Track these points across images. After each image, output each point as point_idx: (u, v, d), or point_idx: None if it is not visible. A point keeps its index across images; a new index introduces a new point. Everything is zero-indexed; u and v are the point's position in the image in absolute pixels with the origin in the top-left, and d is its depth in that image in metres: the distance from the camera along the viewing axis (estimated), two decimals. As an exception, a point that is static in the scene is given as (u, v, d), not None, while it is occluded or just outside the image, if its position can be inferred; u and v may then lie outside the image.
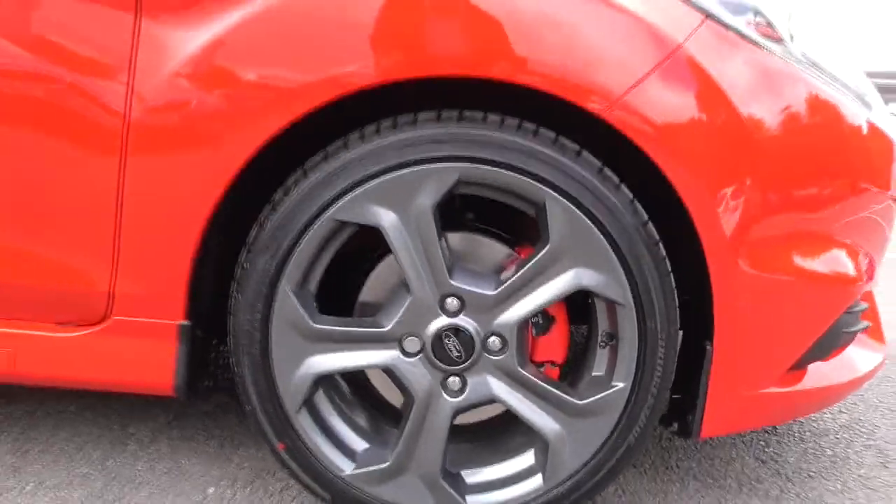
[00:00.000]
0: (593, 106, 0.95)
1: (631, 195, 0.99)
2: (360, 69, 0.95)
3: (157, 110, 0.98)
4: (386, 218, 0.99)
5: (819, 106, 1.07)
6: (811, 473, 1.41)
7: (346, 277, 1.13)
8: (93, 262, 1.03)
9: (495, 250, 1.10)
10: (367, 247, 1.10)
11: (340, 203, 0.99)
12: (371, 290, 1.12)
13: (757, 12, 1.07)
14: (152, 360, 1.06)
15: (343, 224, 1.00)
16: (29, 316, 1.07)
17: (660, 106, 0.96)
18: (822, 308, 1.09)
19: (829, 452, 1.50)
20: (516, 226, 1.12)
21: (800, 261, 1.05)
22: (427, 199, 0.98)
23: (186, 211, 1.00)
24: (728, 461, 1.43)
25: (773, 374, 1.08)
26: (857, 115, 1.12)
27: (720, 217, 0.98)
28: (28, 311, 1.06)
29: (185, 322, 1.05)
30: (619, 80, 0.95)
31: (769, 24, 1.07)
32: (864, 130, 1.13)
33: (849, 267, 1.10)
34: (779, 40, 1.07)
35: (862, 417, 1.70)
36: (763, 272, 1.01)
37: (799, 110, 1.05)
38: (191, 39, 0.97)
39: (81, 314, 1.06)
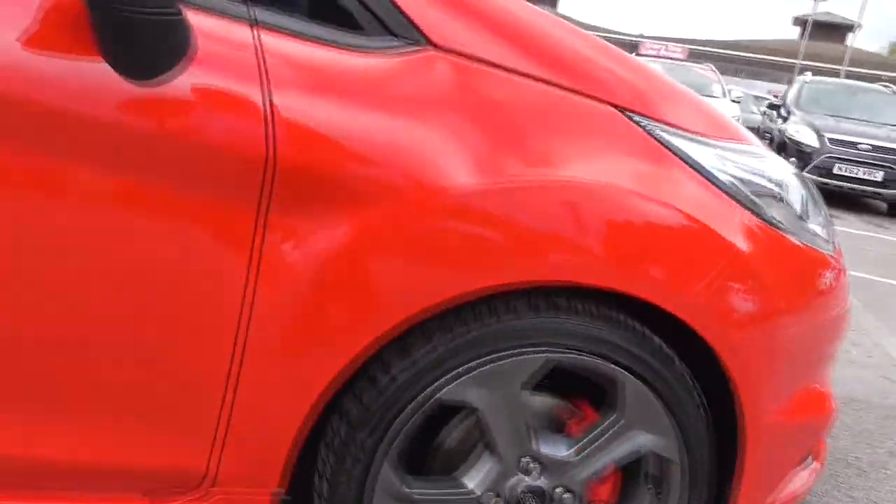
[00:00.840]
0: (668, 305, 1.09)
1: (687, 373, 1.15)
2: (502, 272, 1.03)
3: (283, 295, 0.99)
4: (481, 396, 1.09)
5: (818, 277, 1.28)
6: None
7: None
8: (194, 440, 1.03)
9: (557, 406, 1.22)
10: None
11: (443, 387, 1.07)
12: (450, 437, 1.20)
13: (780, 197, 1.25)
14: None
15: (441, 403, 1.08)
16: (113, 489, 1.05)
17: (715, 300, 1.11)
18: (814, 437, 1.35)
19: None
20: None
21: (804, 408, 1.28)
22: (519, 379, 1.09)
23: (302, 388, 1.03)
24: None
25: (770, 495, 1.32)
26: (838, 274, 1.34)
27: (761, 388, 1.17)
28: (113, 486, 1.05)
29: (279, 489, 1.09)
30: (691, 284, 1.09)
31: (788, 203, 1.26)
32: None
33: (830, 402, 1.36)
34: (799, 217, 1.26)
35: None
36: (782, 423, 1.23)
37: (808, 286, 1.25)
38: (319, 235, 0.98)
39: (172, 486, 1.06)
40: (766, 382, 1.19)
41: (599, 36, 1.22)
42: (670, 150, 1.14)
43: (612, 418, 1.15)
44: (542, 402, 1.21)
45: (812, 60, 29.77)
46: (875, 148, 8.46)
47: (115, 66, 0.88)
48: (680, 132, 1.17)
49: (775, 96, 16.52)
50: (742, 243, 1.14)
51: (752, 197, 1.20)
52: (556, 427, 1.21)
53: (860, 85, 10.42)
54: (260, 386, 1.02)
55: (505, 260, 1.02)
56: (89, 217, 0.94)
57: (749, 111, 12.02)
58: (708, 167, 1.16)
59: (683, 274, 1.10)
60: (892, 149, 8.52)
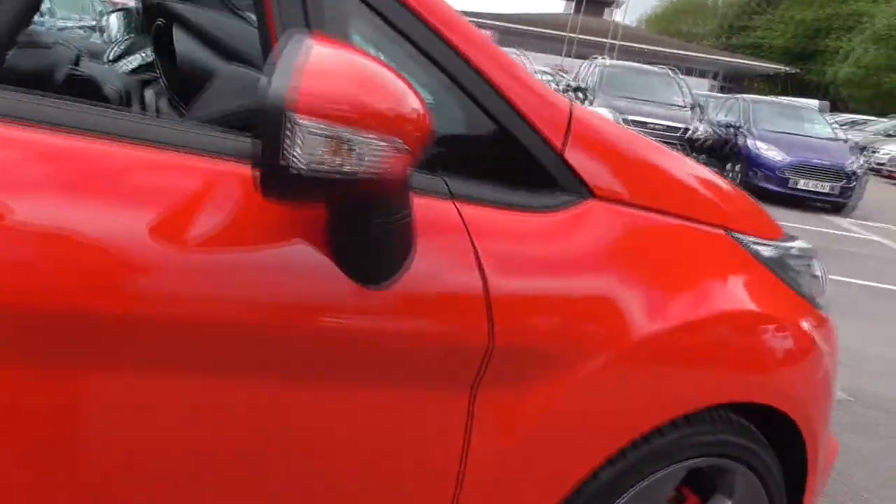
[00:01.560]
0: (783, 406, 1.25)
1: (775, 455, 1.33)
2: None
3: (493, 462, 0.99)
4: (637, 506, 1.18)
5: (835, 339, 1.51)
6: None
7: None
8: None
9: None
10: None
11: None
12: None
13: (817, 278, 1.46)
14: None
15: None
16: None
17: (806, 392, 1.30)
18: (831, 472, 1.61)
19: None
20: None
21: (832, 449, 1.53)
22: (667, 490, 1.20)
23: None
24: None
25: None
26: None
27: (819, 446, 1.38)
28: None
29: None
30: (797, 385, 1.26)
31: (821, 283, 1.47)
32: None
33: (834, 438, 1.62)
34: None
35: None
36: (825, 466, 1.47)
37: (834, 350, 1.47)
38: (528, 401, 0.99)
39: None
40: (822, 440, 1.40)
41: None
42: (759, 260, 1.29)
43: (723, 501, 1.29)
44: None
45: (582, 34, 32.31)
46: (665, 127, 9.55)
47: (350, 271, 0.83)
48: (761, 241, 1.32)
49: (563, 72, 17.78)
50: (813, 336, 1.33)
51: (805, 287, 1.39)
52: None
53: (646, 68, 11.63)
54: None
55: (687, 392, 1.12)
56: (317, 424, 0.89)
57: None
58: (783, 272, 1.32)
59: (792, 376, 1.26)
60: (678, 127, 9.68)
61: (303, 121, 0.63)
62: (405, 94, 0.71)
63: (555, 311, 1.00)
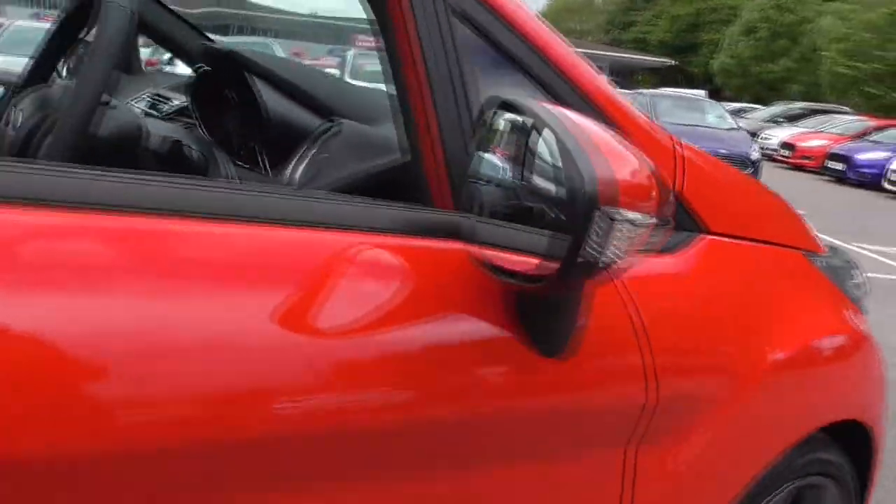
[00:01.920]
0: (861, 418, 1.29)
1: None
2: None
3: None
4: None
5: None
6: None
7: None
8: None
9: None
10: None
11: None
12: None
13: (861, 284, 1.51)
14: None
15: None
16: None
17: (877, 401, 1.35)
18: None
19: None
20: None
21: None
22: (779, 510, 1.21)
23: None
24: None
25: None
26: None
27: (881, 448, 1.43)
28: None
29: None
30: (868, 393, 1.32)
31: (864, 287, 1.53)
32: None
33: None
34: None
35: None
36: None
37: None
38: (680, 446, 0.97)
39: None
40: (883, 441, 1.46)
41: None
42: (827, 276, 1.32)
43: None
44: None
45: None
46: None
47: (538, 345, 0.79)
48: (820, 256, 1.35)
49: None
50: (873, 344, 1.38)
51: (854, 294, 1.43)
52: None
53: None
54: None
55: (806, 415, 1.16)
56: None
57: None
58: (839, 284, 1.37)
59: (867, 387, 1.31)
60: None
61: (625, 214, 0.58)
62: (648, 163, 0.67)
63: (704, 352, 1.01)
